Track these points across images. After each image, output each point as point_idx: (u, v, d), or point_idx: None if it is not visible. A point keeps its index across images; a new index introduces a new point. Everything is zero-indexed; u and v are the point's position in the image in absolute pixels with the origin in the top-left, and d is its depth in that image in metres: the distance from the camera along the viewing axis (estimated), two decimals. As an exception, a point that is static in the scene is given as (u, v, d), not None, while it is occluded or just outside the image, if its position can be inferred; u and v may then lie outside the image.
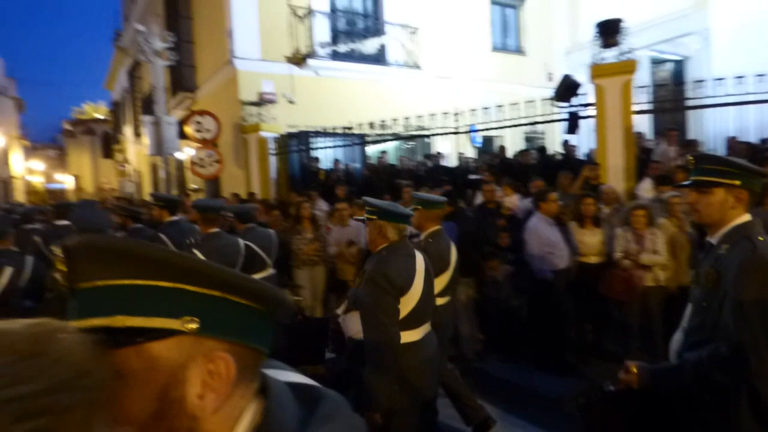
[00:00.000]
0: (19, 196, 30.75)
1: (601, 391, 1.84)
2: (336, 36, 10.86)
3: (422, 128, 8.35)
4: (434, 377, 2.56)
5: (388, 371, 2.18)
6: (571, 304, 4.37)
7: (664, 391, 1.76)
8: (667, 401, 1.77)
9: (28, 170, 35.94)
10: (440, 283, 3.20)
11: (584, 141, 9.48)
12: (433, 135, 8.28)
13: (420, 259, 2.45)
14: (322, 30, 10.47)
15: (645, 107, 7.09)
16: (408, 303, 2.30)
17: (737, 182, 1.72)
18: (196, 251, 3.51)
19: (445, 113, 7.71)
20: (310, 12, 10.25)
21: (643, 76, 9.40)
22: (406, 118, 8.38)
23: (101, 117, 39.56)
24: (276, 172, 9.85)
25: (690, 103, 7.19)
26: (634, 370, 1.74)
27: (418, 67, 11.65)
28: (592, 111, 6.24)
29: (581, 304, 4.47)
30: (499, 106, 7.14)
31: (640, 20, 9.47)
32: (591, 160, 6.56)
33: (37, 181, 38.59)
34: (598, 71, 5.96)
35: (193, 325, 0.56)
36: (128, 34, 20.90)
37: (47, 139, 47.39)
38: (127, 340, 0.56)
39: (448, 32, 12.23)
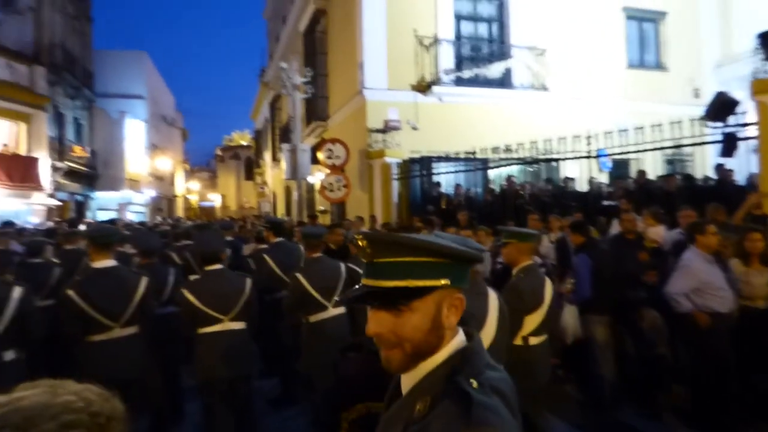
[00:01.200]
0: (179, 211, 35.75)
1: None
2: (460, 62, 11.00)
3: (549, 152, 8.00)
4: None
5: None
6: (732, 355, 3.79)
7: None
8: None
9: (187, 190, 41.63)
10: (533, 320, 3.03)
11: (742, 165, 8.31)
12: (560, 159, 7.87)
13: (493, 298, 2.40)
14: (446, 57, 10.69)
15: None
16: None
17: None
18: (299, 275, 3.83)
19: (577, 136, 7.31)
20: (435, 41, 10.55)
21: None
22: (532, 142, 8.11)
23: (245, 144, 44.53)
24: (398, 197, 10.17)
25: None
26: None
27: (545, 88, 11.28)
28: (753, 131, 5.47)
29: (745, 355, 3.86)
30: (639, 128, 6.58)
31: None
32: (753, 187, 5.71)
33: (193, 199, 44.53)
34: (762, 86, 5.23)
35: (447, 282, 0.94)
36: (272, 71, 23.40)
37: (202, 163, 54.63)
38: (415, 294, 0.93)
39: (578, 52, 11.69)
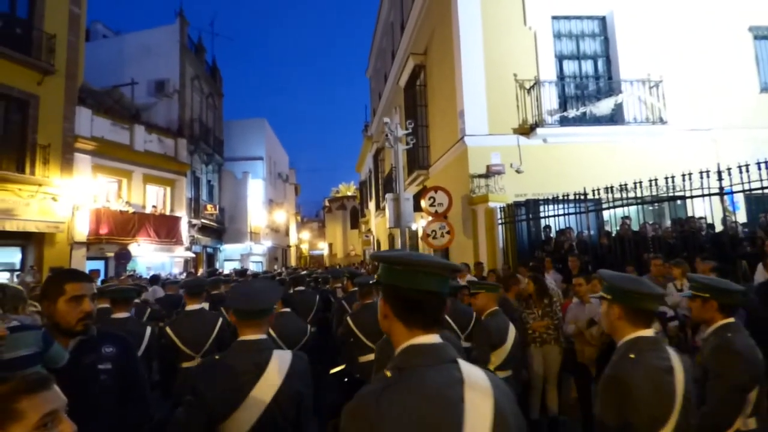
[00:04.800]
0: (292, 260, 38.16)
1: None
2: (565, 102, 10.69)
3: (672, 189, 7.28)
4: None
5: None
6: None
7: None
8: None
9: (299, 240, 44.50)
10: (499, 356, 3.85)
11: None
12: (685, 198, 7.08)
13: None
14: (549, 98, 10.47)
15: None
16: None
17: None
18: (349, 320, 4.34)
19: (705, 171, 6.59)
20: (536, 83, 10.42)
21: None
22: (652, 180, 7.48)
23: (351, 194, 46.86)
24: (503, 242, 9.88)
25: None
26: None
27: (662, 121, 10.47)
28: None
29: None
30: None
31: None
32: None
33: (304, 248, 47.39)
34: None
35: None
36: (375, 125, 24.71)
37: (312, 214, 58.31)
38: None
39: (698, 79, 10.76)
